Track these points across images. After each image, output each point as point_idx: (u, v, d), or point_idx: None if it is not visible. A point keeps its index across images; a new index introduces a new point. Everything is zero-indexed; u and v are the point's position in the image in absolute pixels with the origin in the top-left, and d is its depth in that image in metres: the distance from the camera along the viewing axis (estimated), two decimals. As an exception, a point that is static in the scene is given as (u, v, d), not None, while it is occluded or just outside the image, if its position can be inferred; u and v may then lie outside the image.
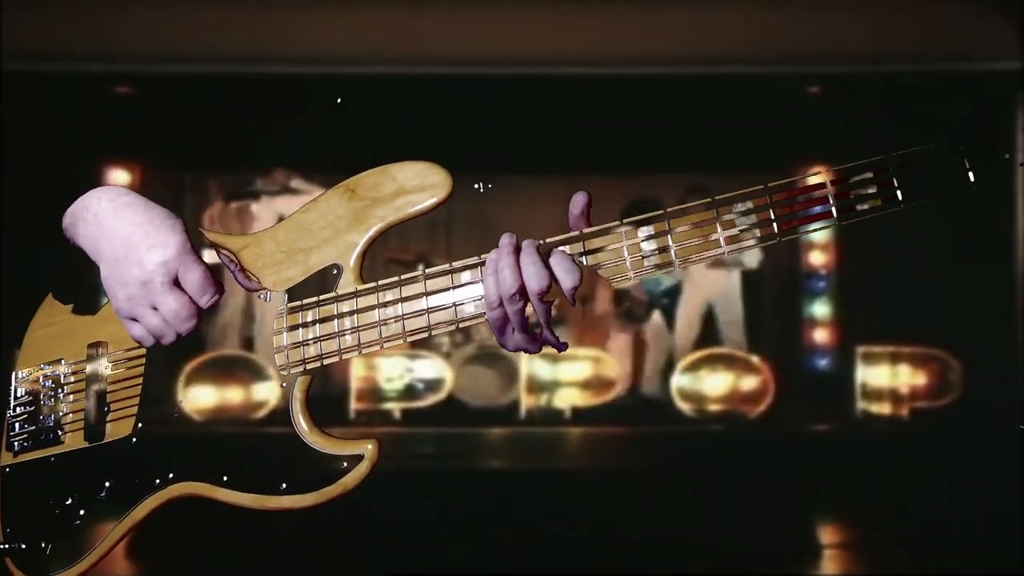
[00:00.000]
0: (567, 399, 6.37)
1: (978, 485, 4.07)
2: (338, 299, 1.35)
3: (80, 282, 1.43)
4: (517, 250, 1.25)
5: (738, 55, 5.66)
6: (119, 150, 6.46)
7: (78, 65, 5.66)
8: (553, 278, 1.23)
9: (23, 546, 1.41)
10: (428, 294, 1.31)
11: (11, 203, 1.47)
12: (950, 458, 4.52)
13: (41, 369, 1.48)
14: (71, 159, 1.55)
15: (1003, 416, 4.57)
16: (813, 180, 1.22)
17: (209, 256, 1.39)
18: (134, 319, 1.36)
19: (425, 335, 1.32)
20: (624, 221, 1.26)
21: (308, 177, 6.51)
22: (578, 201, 1.28)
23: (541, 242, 1.27)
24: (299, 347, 1.36)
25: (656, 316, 7.00)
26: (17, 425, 1.47)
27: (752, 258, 6.86)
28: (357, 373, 6.26)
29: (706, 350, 6.55)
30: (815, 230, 1.25)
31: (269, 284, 1.39)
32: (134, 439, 1.41)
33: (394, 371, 6.31)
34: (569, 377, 6.40)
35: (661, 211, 1.25)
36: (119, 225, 1.35)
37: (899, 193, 1.19)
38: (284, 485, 1.31)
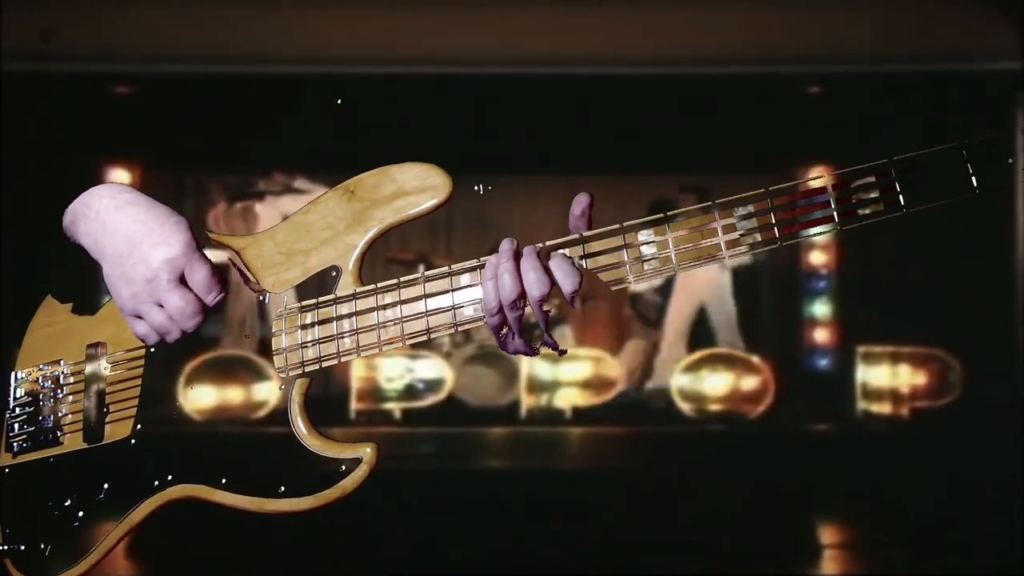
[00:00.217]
0: (567, 399, 6.37)
1: (978, 485, 4.07)
2: (337, 301, 1.35)
3: (79, 282, 1.43)
4: (517, 255, 1.25)
5: (738, 55, 5.66)
6: (119, 150, 6.46)
7: (78, 65, 5.66)
8: (553, 282, 1.23)
9: (22, 547, 1.41)
10: (427, 296, 1.31)
11: (11, 203, 1.46)
12: (950, 458, 4.52)
13: (40, 370, 1.48)
14: (71, 159, 1.55)
15: (1003, 416, 4.57)
16: (815, 184, 1.22)
17: (213, 256, 1.39)
18: (138, 316, 1.36)
19: (424, 338, 1.31)
20: (624, 224, 1.25)
21: (308, 177, 6.52)
22: (580, 201, 1.27)
23: (541, 246, 1.27)
24: (298, 349, 1.36)
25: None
26: (16, 426, 1.47)
27: (750, 257, 6.84)
28: (358, 373, 6.26)
29: (706, 350, 6.55)
30: (817, 234, 1.24)
31: (268, 286, 1.39)
32: (133, 440, 1.41)
33: (395, 371, 6.32)
34: (569, 377, 6.41)
35: (661, 214, 1.25)
36: (122, 222, 1.34)
37: (901, 197, 1.18)
38: (283, 488, 1.31)
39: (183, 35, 5.49)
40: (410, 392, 6.32)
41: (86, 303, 1.47)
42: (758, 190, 1.22)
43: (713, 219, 1.23)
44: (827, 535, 4.17)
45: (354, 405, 6.24)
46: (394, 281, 1.33)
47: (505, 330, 1.27)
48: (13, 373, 1.49)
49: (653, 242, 1.24)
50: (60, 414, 1.45)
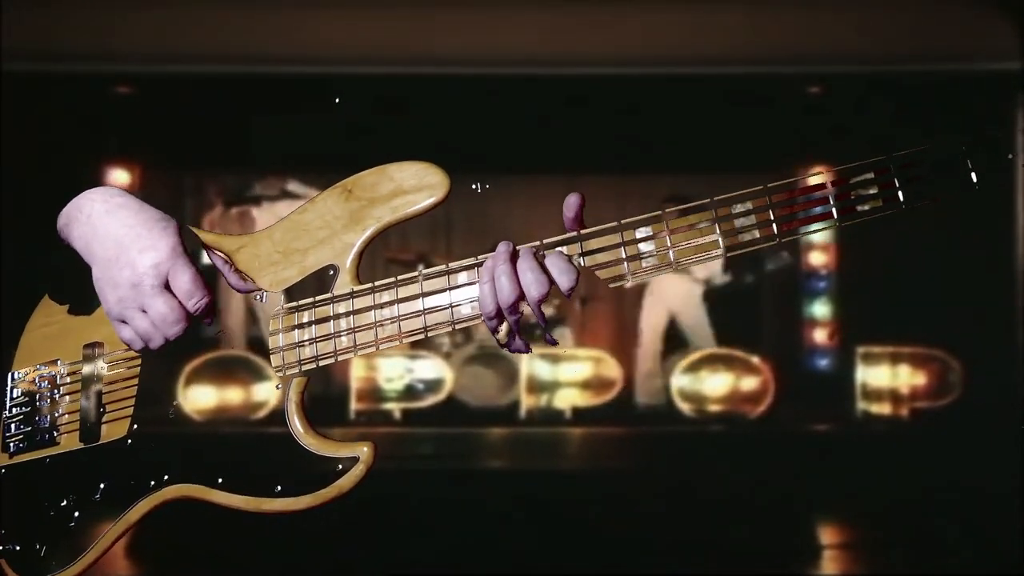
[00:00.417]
0: (567, 399, 6.37)
1: (978, 485, 4.07)
2: (334, 300, 1.34)
3: (76, 282, 1.42)
4: (513, 257, 1.24)
5: (738, 55, 5.65)
6: (119, 150, 6.46)
7: (78, 65, 5.66)
8: (550, 280, 1.22)
9: (18, 548, 1.40)
10: (425, 295, 1.30)
11: (11, 203, 1.46)
12: (950, 458, 4.51)
13: (37, 370, 1.47)
14: (71, 159, 1.54)
15: (1003, 416, 4.56)
16: (813, 181, 1.21)
17: (207, 257, 1.38)
18: (124, 321, 1.36)
19: (421, 336, 1.31)
20: (622, 222, 1.25)
21: (307, 177, 6.51)
22: (571, 204, 1.26)
23: (540, 243, 1.26)
24: (295, 348, 1.35)
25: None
26: (13, 426, 1.47)
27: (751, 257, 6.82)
28: (357, 373, 6.26)
29: (706, 350, 6.55)
30: (816, 231, 1.24)
31: (266, 285, 1.39)
32: (129, 440, 1.41)
33: (394, 371, 6.31)
34: (569, 377, 6.40)
35: (659, 211, 1.24)
36: (111, 227, 1.34)
37: (900, 194, 1.18)
38: (279, 487, 1.31)
39: (183, 35, 5.49)
40: (410, 392, 6.32)
41: (83, 303, 1.46)
42: (757, 187, 1.22)
43: (712, 216, 1.22)
44: (827, 535, 4.16)
45: (354, 405, 6.24)
46: (391, 280, 1.33)
47: (504, 330, 1.27)
48: (10, 373, 1.49)
49: (651, 239, 1.24)
50: (57, 414, 1.45)
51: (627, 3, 5.41)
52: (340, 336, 1.33)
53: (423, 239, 6.94)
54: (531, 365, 6.30)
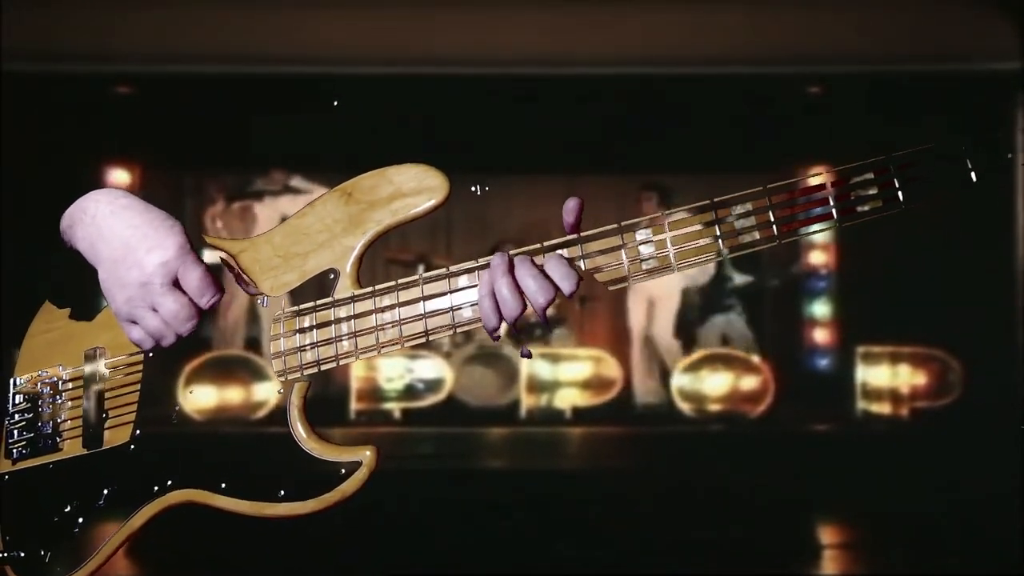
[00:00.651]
0: (567, 399, 6.37)
1: (978, 485, 4.06)
2: (335, 304, 1.34)
3: (77, 287, 1.42)
4: (510, 268, 1.24)
5: (738, 55, 5.65)
6: (119, 150, 6.45)
7: (78, 65, 5.66)
8: (553, 286, 1.22)
9: (22, 554, 1.40)
10: (425, 299, 1.30)
11: (11, 203, 1.46)
12: (950, 458, 4.51)
13: (39, 375, 1.47)
14: (71, 159, 1.54)
15: (1003, 416, 4.56)
16: (813, 181, 1.21)
17: (208, 258, 1.38)
18: (133, 321, 1.36)
19: (423, 340, 1.31)
20: (622, 224, 1.25)
21: (307, 178, 6.51)
22: (571, 208, 1.26)
23: (539, 246, 1.26)
24: (296, 353, 1.35)
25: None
26: (15, 432, 1.46)
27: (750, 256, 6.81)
28: (358, 373, 6.26)
29: (706, 350, 6.55)
30: (816, 232, 1.24)
31: (266, 289, 1.38)
32: (132, 446, 1.40)
33: (394, 371, 6.32)
34: (569, 377, 6.40)
35: (659, 213, 1.24)
36: (117, 227, 1.34)
37: (900, 194, 1.18)
38: (282, 492, 1.30)
39: (183, 35, 5.49)
40: (410, 392, 6.32)
41: (84, 308, 1.46)
42: (756, 188, 1.22)
43: (711, 217, 1.22)
44: (827, 535, 4.16)
45: (354, 405, 6.24)
46: (392, 283, 1.32)
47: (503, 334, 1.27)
48: (12, 379, 1.49)
49: (651, 241, 1.24)
50: (59, 420, 1.45)
51: (627, 3, 5.41)
52: (341, 340, 1.33)
53: (423, 239, 6.94)
54: (531, 365, 6.30)
